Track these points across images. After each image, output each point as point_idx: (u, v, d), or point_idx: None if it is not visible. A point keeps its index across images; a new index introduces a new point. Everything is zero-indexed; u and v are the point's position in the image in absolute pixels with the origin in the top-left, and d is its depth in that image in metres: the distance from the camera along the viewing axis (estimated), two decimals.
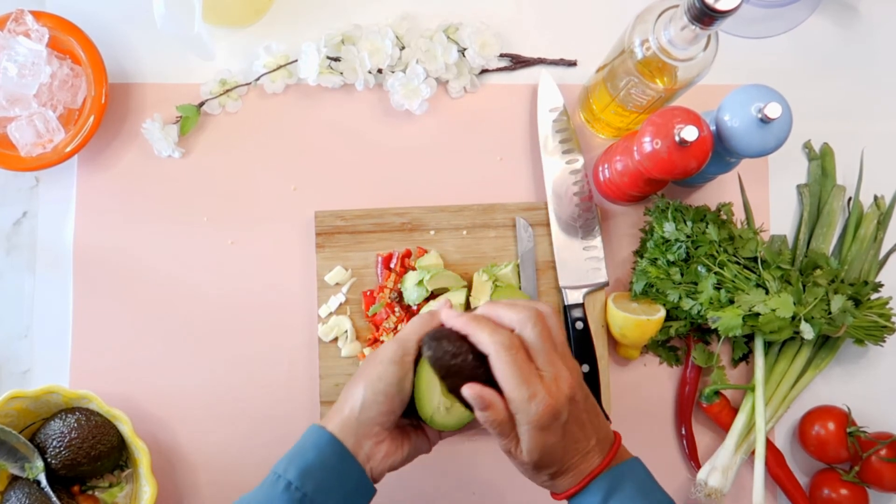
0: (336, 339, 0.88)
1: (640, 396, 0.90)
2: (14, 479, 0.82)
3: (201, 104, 0.91)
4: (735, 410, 0.88)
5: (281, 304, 0.89)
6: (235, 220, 0.91)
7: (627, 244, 0.92)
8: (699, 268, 0.83)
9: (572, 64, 0.94)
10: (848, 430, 0.86)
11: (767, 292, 0.81)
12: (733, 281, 0.82)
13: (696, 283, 0.83)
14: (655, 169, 0.76)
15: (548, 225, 0.90)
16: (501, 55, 0.93)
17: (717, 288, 0.82)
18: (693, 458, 0.88)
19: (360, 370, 0.69)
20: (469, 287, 0.88)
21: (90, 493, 0.85)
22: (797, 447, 0.90)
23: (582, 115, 0.92)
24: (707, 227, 0.83)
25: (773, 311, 0.80)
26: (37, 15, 0.87)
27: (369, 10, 0.93)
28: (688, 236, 0.83)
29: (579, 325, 0.87)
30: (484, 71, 0.93)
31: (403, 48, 0.91)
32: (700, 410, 0.89)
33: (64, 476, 0.82)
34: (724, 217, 0.87)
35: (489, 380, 0.64)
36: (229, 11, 0.91)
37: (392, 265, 0.88)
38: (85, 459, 0.81)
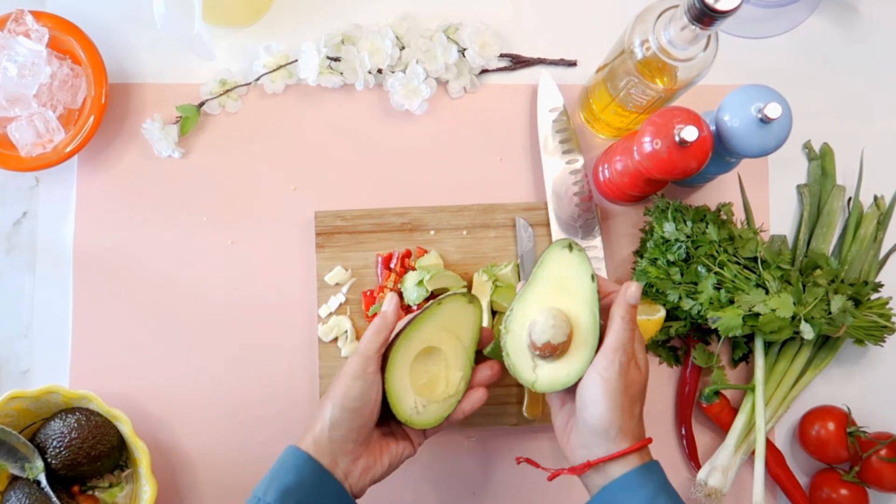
0: (336, 339, 0.88)
1: None
2: (14, 479, 0.82)
3: (201, 104, 0.91)
4: (735, 410, 0.88)
5: (281, 304, 0.89)
6: (235, 220, 0.91)
7: (627, 244, 0.92)
8: (699, 268, 0.83)
9: (572, 64, 0.94)
10: (848, 430, 0.86)
11: (767, 292, 0.81)
12: (733, 281, 0.82)
13: (696, 283, 0.83)
14: (655, 169, 0.76)
15: (548, 225, 0.90)
16: (501, 55, 0.93)
17: (717, 288, 0.82)
18: (693, 458, 0.88)
19: (329, 387, 0.70)
20: (469, 287, 0.88)
21: (90, 493, 0.85)
22: (797, 447, 0.90)
23: (582, 115, 0.92)
24: (707, 227, 0.83)
25: (773, 311, 0.80)
26: (37, 15, 0.87)
27: (369, 10, 0.93)
28: (688, 236, 0.83)
29: None
30: (484, 71, 0.93)
31: (403, 48, 0.91)
32: (700, 410, 0.89)
33: (64, 476, 0.82)
34: (724, 217, 0.87)
35: None
36: (229, 11, 0.91)
37: (392, 265, 0.88)
38: (85, 459, 0.80)
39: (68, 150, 0.86)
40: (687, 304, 0.83)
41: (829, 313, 0.81)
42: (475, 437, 0.89)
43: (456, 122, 0.93)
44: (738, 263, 0.83)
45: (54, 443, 0.80)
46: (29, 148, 0.86)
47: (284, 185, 0.91)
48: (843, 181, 0.93)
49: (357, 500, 0.68)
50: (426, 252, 0.88)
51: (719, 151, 0.79)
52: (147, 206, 0.91)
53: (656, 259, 0.85)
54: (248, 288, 0.90)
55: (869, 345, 0.89)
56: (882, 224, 0.91)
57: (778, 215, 0.93)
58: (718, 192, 0.92)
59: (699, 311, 0.83)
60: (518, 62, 0.94)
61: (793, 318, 0.80)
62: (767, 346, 0.88)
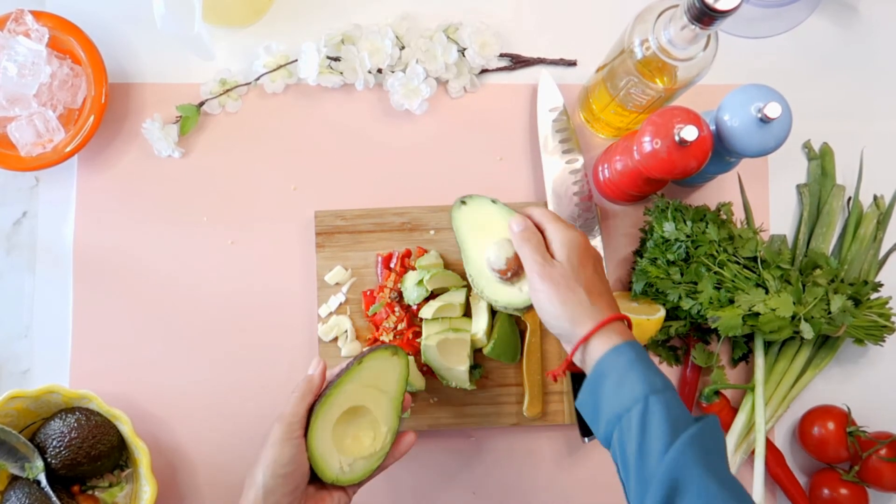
0: (336, 339, 0.88)
1: None
2: (14, 479, 0.82)
3: (201, 104, 0.91)
4: (735, 410, 0.88)
5: (281, 304, 0.89)
6: (235, 220, 0.91)
7: (627, 244, 0.92)
8: (699, 267, 0.83)
9: (572, 64, 0.94)
10: (848, 429, 0.86)
11: (767, 292, 0.81)
12: (733, 281, 0.82)
13: (696, 283, 0.83)
14: (655, 168, 0.76)
15: None
16: (501, 55, 0.93)
17: (717, 288, 0.82)
18: None
19: (258, 454, 0.69)
20: (469, 287, 0.88)
21: (90, 493, 0.85)
22: (797, 447, 0.90)
23: (582, 114, 0.92)
24: (707, 227, 0.83)
25: (773, 310, 0.80)
26: (37, 15, 0.87)
27: (369, 10, 0.93)
28: (688, 236, 0.83)
29: None
30: (484, 71, 0.93)
31: (403, 48, 0.91)
32: (700, 410, 0.89)
33: (64, 476, 0.82)
34: (724, 217, 0.87)
35: None
36: (229, 11, 0.91)
37: (392, 265, 0.88)
38: (85, 459, 0.81)
39: (68, 149, 0.86)
40: (687, 304, 0.83)
41: (829, 313, 0.81)
42: (475, 437, 0.89)
43: (456, 121, 0.93)
44: (738, 263, 0.83)
45: (54, 442, 0.80)
46: (29, 148, 0.87)
47: (284, 184, 0.91)
48: (843, 181, 0.93)
49: None
50: (426, 252, 0.88)
51: (719, 151, 0.79)
52: (147, 205, 0.91)
53: (656, 259, 0.85)
54: (248, 288, 0.90)
55: (869, 344, 0.89)
56: (882, 224, 0.91)
57: (778, 215, 0.93)
58: (718, 191, 0.92)
59: (699, 311, 0.83)
60: (518, 62, 0.94)
61: (793, 317, 0.80)
62: (767, 345, 0.88)
